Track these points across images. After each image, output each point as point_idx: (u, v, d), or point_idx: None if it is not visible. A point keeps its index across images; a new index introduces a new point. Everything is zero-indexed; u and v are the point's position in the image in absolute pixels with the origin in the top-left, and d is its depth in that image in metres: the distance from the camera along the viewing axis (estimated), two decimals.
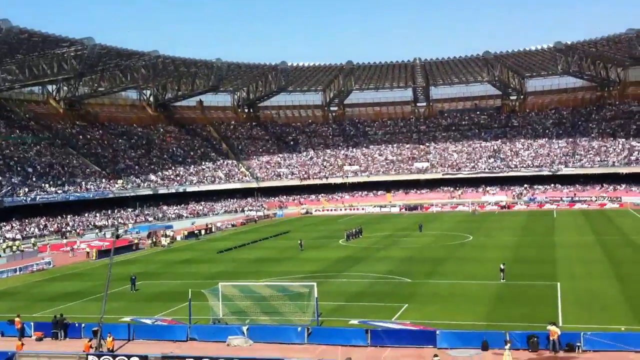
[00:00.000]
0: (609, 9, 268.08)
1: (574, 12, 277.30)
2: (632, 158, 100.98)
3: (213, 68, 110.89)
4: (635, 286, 36.30)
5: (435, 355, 23.24)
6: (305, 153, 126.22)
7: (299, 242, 59.92)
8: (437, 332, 27.04)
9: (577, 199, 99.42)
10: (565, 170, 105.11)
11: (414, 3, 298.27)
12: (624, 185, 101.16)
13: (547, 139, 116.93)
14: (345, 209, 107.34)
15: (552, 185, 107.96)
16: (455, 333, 27.19)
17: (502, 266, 40.32)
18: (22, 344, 28.43)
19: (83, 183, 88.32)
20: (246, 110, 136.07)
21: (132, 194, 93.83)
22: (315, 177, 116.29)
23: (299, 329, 28.80)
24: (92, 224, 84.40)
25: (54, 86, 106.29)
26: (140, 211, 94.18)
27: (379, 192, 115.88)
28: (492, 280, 39.93)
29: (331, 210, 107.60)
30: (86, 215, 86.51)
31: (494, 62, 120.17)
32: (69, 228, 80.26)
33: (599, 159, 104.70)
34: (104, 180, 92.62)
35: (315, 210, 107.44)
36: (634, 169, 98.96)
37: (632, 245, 52.70)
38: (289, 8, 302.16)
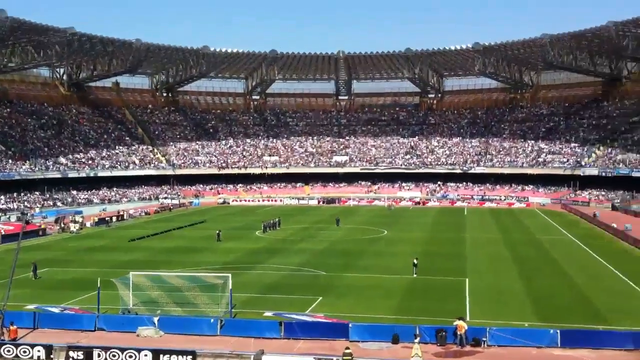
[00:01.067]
0: (526, 13, 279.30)
1: (493, 15, 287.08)
2: (540, 160, 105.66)
3: (132, 48, 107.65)
4: (538, 284, 38.01)
5: (347, 348, 23.49)
6: (224, 141, 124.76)
7: (217, 232, 59.01)
8: (350, 325, 27.37)
9: (487, 197, 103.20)
10: (476, 169, 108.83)
11: None
12: (531, 186, 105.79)
13: (461, 138, 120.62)
14: (264, 200, 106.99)
15: (464, 183, 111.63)
16: (367, 326, 27.59)
17: (415, 261, 41.23)
18: None
19: None
20: (164, 95, 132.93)
21: (41, 177, 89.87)
22: (234, 166, 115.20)
23: (212, 320, 28.47)
24: None
25: None
26: (49, 195, 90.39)
27: (298, 184, 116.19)
28: (405, 274, 40.81)
29: (249, 200, 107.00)
30: None
31: (415, 60, 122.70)
32: None
33: (509, 159, 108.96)
34: (10, 161, 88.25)
35: (233, 201, 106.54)
36: (541, 170, 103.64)
37: (536, 244, 55.14)
38: None
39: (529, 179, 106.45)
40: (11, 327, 26.91)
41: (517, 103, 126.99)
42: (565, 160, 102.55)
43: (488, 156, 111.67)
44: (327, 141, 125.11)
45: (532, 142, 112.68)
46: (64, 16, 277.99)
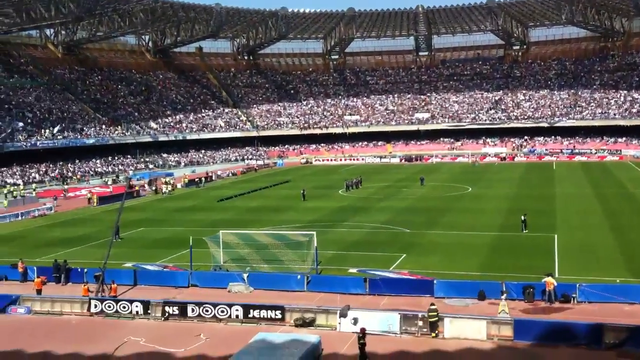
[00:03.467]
0: None
1: None
2: (634, 111, 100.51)
3: (212, 13, 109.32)
4: (631, 239, 36.66)
5: (432, 304, 23.58)
6: (305, 102, 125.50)
7: (302, 191, 59.71)
8: (435, 281, 27.41)
9: (576, 151, 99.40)
10: (565, 122, 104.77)
11: None
12: (624, 138, 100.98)
13: (548, 90, 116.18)
14: (345, 159, 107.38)
15: (553, 137, 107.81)
16: (452, 283, 27.59)
17: (523, 217, 40.15)
18: (42, 282, 29.43)
19: (84, 129, 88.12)
20: (246, 58, 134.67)
21: (132, 141, 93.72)
22: (315, 126, 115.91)
23: (299, 276, 29.20)
24: (93, 170, 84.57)
25: (52, 30, 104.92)
26: (141, 158, 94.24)
27: (379, 143, 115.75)
28: (490, 231, 40.29)
29: (331, 160, 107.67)
30: (87, 162, 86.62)
31: (497, 11, 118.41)
32: (70, 174, 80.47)
33: (600, 111, 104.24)
34: (103, 126, 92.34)
35: (315, 160, 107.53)
36: (634, 121, 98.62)
37: (629, 198, 52.98)
38: None
39: (621, 131, 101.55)
40: (112, 285, 28.60)
41: (607, 52, 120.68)
42: None
43: (577, 108, 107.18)
44: (408, 98, 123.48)
45: (625, 92, 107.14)
46: None
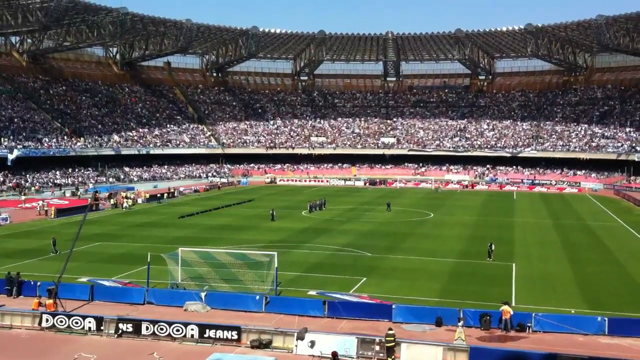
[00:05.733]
0: None
1: None
2: (593, 144, 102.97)
3: (182, 29, 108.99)
4: (588, 271, 37.28)
5: (390, 329, 23.56)
6: (272, 122, 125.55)
7: (271, 211, 58.98)
8: (393, 306, 27.43)
9: (537, 181, 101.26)
10: (527, 153, 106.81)
11: None
12: (583, 171, 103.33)
13: (512, 121, 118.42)
14: (310, 180, 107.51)
15: (514, 167, 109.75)
16: (411, 308, 27.61)
17: (492, 247, 40.49)
18: None
19: (46, 139, 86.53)
20: (214, 75, 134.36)
21: (94, 153, 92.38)
22: (281, 146, 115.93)
23: (257, 297, 28.90)
24: (52, 181, 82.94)
25: (18, 38, 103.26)
26: (102, 171, 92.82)
27: (345, 165, 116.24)
28: (450, 257, 40.59)
29: (296, 180, 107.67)
30: (46, 172, 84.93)
31: (465, 41, 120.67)
32: (27, 184, 78.75)
33: (561, 143, 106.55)
34: (65, 137, 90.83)
35: (280, 180, 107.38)
36: (594, 155, 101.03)
37: (587, 231, 53.98)
38: None
39: (581, 164, 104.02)
40: (47, 301, 27.69)
41: (570, 86, 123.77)
42: (619, 145, 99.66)
43: (539, 140, 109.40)
44: (375, 122, 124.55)
45: (586, 126, 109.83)
46: None
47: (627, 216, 63.75)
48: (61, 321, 25.94)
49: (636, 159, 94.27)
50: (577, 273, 36.54)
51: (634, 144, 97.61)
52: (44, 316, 26.15)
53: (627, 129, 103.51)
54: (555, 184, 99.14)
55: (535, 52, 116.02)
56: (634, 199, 77.70)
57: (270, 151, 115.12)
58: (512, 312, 26.01)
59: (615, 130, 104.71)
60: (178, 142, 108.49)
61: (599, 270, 37.45)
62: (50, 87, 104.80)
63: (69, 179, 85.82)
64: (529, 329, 25.89)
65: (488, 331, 25.95)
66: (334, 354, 21.86)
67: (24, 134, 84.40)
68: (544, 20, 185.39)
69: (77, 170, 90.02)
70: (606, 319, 25.73)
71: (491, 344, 24.50)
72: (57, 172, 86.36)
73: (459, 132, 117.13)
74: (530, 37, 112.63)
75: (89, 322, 25.64)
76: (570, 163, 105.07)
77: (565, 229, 54.74)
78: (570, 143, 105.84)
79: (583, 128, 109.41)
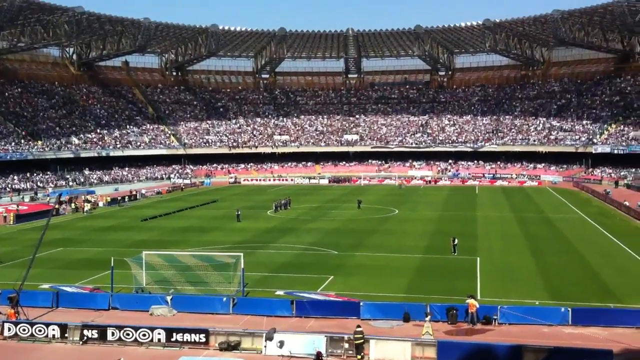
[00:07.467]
0: None
1: None
2: (552, 137, 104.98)
3: (140, 27, 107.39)
4: (550, 262, 37.98)
5: (358, 326, 23.63)
6: (234, 121, 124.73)
7: (237, 212, 58.19)
8: (361, 303, 27.52)
9: (498, 175, 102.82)
10: (487, 147, 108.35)
11: None
12: (543, 164, 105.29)
13: (472, 116, 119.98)
14: (274, 180, 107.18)
15: (476, 161, 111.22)
16: (378, 304, 27.74)
17: (454, 240, 40.85)
18: None
19: (1, 143, 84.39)
20: (174, 74, 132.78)
21: (53, 157, 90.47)
22: (244, 145, 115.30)
23: (224, 299, 28.68)
24: (10, 186, 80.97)
25: None
26: (61, 175, 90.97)
27: (309, 164, 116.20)
28: (415, 253, 40.91)
29: (260, 180, 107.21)
30: (4, 177, 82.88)
31: (424, 37, 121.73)
32: None
33: (520, 137, 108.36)
34: (22, 141, 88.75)
35: (244, 180, 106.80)
36: (553, 148, 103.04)
37: (548, 223, 55.02)
38: None
39: (540, 157, 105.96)
40: (9, 310, 27.05)
41: (528, 80, 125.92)
42: (577, 137, 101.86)
43: (499, 134, 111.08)
44: (337, 120, 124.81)
45: (544, 119, 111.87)
46: None
47: (586, 207, 65.21)
48: (24, 329, 25.36)
49: (594, 151, 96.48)
50: (540, 265, 37.20)
51: (591, 137, 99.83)
52: (6, 325, 25.52)
53: (584, 122, 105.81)
54: (516, 178, 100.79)
55: (494, 47, 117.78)
56: (592, 190, 79.52)
57: (233, 151, 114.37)
58: (477, 306, 26.34)
59: (572, 123, 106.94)
60: (138, 144, 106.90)
61: (560, 261, 38.20)
62: (4, 89, 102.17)
63: (28, 184, 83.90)
64: (494, 321, 26.26)
65: (455, 325, 26.22)
66: (319, 354, 22.12)
67: None
68: (501, 15, 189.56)
69: (35, 174, 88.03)
70: (569, 309, 26.25)
71: (458, 337, 24.76)
72: (15, 177, 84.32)
73: (420, 128, 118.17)
74: (489, 32, 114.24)
75: (53, 329, 25.13)
76: (530, 156, 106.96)
77: (527, 221, 55.70)
78: (530, 137, 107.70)
79: (541, 121, 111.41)
